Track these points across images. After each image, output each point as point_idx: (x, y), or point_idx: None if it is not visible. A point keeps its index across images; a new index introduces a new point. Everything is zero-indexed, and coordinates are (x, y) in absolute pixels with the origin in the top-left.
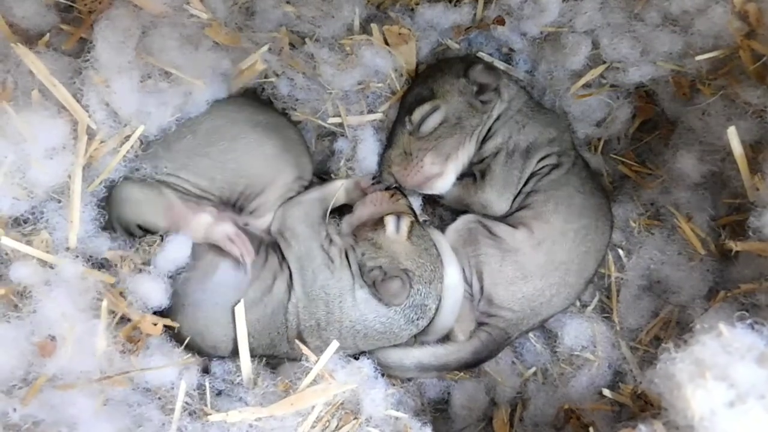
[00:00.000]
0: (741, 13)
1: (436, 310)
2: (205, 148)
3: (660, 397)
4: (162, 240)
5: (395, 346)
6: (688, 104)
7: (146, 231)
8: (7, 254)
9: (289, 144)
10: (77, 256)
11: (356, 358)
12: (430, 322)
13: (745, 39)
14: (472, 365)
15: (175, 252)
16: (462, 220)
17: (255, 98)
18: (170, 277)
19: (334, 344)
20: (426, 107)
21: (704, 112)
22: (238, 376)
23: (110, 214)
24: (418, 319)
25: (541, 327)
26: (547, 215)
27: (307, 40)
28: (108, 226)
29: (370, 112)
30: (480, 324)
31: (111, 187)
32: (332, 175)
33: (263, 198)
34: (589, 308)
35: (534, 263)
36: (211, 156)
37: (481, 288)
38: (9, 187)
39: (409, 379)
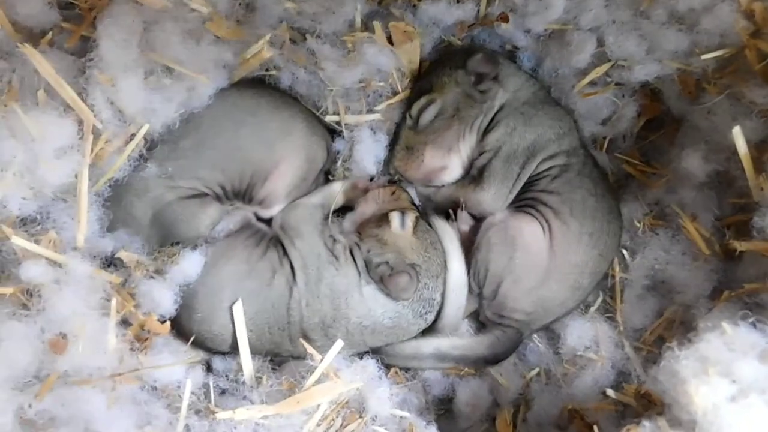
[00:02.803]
0: (747, 12)
1: (442, 304)
2: (212, 140)
3: (663, 395)
4: (180, 253)
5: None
6: (694, 103)
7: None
8: (15, 254)
9: (294, 125)
10: (84, 256)
11: (360, 358)
12: (437, 319)
13: (751, 38)
14: (490, 361)
15: (189, 267)
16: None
17: (260, 82)
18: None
19: (339, 343)
20: (422, 101)
21: (710, 111)
22: (241, 374)
23: (159, 234)
24: (426, 314)
25: (545, 328)
26: (564, 218)
27: (307, 36)
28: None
29: (369, 111)
30: (493, 324)
31: (157, 212)
32: (329, 177)
33: (270, 185)
34: (593, 309)
35: (550, 267)
36: (218, 147)
37: (495, 291)
38: (18, 186)
39: (413, 376)
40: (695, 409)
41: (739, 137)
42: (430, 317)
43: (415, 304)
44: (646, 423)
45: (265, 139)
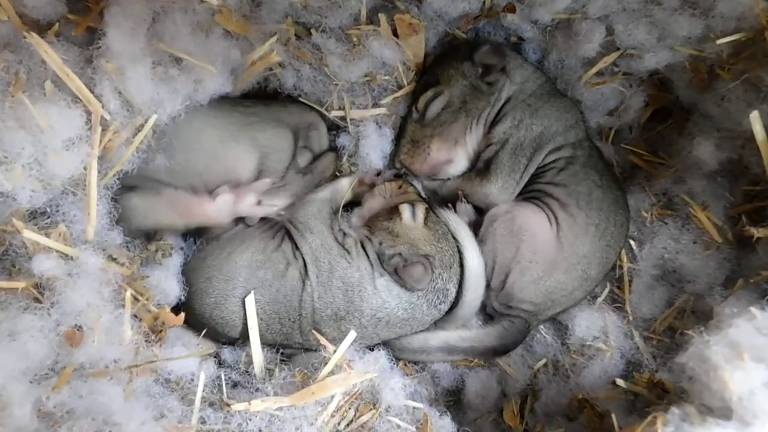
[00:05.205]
0: None
1: (457, 294)
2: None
3: (690, 382)
4: (174, 248)
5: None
6: (706, 91)
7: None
8: (25, 247)
9: (239, 128)
10: (95, 249)
11: (371, 350)
12: (453, 309)
13: None
14: (499, 352)
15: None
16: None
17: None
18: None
19: (352, 334)
20: (429, 93)
21: (723, 97)
22: (253, 367)
23: (127, 226)
24: (440, 304)
25: (551, 319)
26: (570, 209)
27: (313, 30)
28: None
29: (375, 106)
30: (501, 315)
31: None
32: (336, 173)
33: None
34: (600, 299)
35: (557, 258)
36: (173, 156)
37: (503, 282)
38: (27, 179)
39: (423, 369)
40: (730, 395)
41: (756, 122)
42: (444, 307)
43: (430, 294)
44: (675, 410)
45: (205, 149)
